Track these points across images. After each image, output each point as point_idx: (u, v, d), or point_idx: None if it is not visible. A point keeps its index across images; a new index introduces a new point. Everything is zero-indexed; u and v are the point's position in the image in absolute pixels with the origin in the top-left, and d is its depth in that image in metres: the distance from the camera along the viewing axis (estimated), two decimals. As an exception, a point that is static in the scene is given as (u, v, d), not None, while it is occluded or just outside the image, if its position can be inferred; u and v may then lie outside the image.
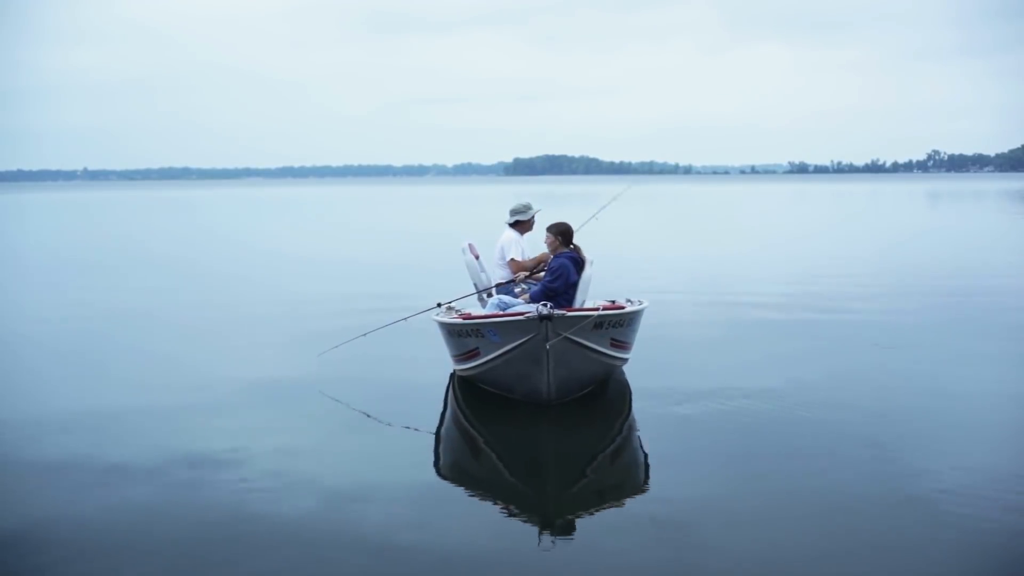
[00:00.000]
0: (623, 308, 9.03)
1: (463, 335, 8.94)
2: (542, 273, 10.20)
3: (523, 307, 9.14)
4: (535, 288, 9.67)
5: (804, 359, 11.20)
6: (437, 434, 8.33)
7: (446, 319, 9.44)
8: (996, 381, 10.04)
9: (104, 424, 8.56)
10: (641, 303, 9.47)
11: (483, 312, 9.63)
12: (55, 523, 6.21)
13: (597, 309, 8.51)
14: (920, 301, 16.08)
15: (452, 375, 10.00)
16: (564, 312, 8.24)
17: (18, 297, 18.50)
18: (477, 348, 8.80)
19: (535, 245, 10.78)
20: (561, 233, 9.67)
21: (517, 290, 10.20)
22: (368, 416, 8.80)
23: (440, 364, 10.15)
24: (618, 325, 8.78)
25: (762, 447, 7.60)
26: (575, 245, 9.69)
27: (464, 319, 9.05)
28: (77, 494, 6.70)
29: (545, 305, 8.15)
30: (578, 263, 9.50)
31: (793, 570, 5.45)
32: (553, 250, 9.73)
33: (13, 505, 6.55)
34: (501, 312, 9.06)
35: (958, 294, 16.79)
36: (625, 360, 9.41)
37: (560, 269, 9.35)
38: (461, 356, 9.24)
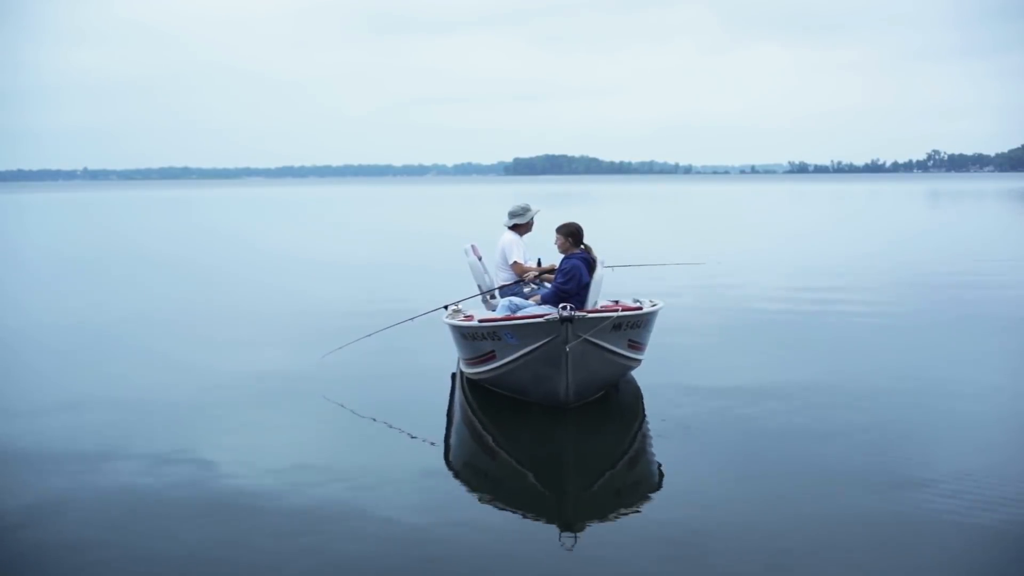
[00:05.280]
0: (640, 309, 8.96)
1: (478, 338, 8.82)
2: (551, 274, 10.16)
3: (535, 309, 9.08)
4: (547, 290, 9.60)
5: (807, 359, 11.23)
6: (448, 437, 8.29)
7: (459, 322, 9.33)
8: (996, 379, 10.08)
9: (107, 423, 8.54)
10: (654, 303, 9.41)
11: (489, 314, 9.55)
12: (57, 522, 6.19)
13: (615, 310, 8.46)
14: (921, 300, 16.11)
15: (455, 376, 9.97)
16: (584, 313, 8.17)
17: (19, 297, 18.45)
18: (493, 351, 8.68)
19: (535, 247, 10.75)
20: (571, 234, 9.52)
21: (527, 290, 10.14)
22: (376, 418, 8.71)
23: (443, 364, 10.10)
24: (635, 326, 8.72)
25: (771, 449, 7.60)
26: (586, 245, 9.56)
27: (480, 322, 8.94)
28: (79, 493, 6.69)
29: (565, 307, 8.04)
30: (589, 264, 9.40)
31: (806, 572, 5.47)
32: (563, 251, 9.64)
33: (14, 504, 6.53)
34: (518, 315, 8.93)
35: (958, 293, 16.80)
36: (639, 361, 9.28)
37: (572, 270, 9.24)
38: (475, 359, 9.11)
